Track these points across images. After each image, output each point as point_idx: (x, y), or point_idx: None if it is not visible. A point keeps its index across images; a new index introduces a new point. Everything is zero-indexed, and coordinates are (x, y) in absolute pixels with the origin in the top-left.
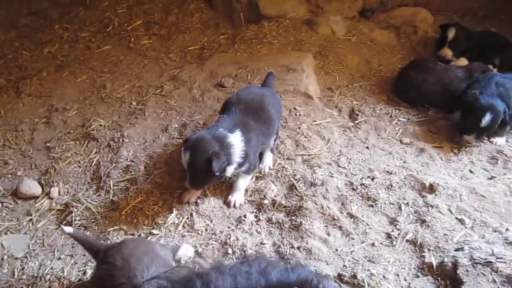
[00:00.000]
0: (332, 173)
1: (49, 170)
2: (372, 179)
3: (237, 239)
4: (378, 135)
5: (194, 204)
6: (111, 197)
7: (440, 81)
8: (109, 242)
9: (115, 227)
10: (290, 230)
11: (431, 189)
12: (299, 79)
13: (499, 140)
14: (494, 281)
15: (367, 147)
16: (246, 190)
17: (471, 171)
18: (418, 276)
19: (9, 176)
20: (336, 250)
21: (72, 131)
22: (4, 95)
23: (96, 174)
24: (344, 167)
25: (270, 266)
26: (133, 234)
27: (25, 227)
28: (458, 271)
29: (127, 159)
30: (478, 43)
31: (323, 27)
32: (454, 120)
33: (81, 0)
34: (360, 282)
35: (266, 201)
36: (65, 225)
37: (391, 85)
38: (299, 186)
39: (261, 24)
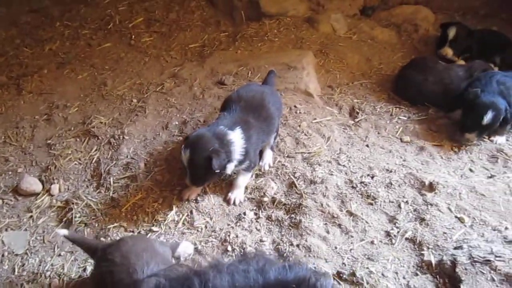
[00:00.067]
0: (332, 171)
1: (49, 167)
2: (372, 177)
3: (237, 236)
4: (378, 133)
5: (194, 201)
6: (111, 194)
7: (441, 80)
8: (109, 239)
9: (115, 224)
10: (290, 227)
11: (431, 187)
12: (299, 77)
13: (500, 139)
14: (493, 280)
15: (367, 145)
16: (246, 188)
17: (471, 170)
18: (417, 274)
19: (10, 173)
20: (335, 248)
21: (72, 128)
22: (5, 92)
23: (97, 171)
24: (344, 165)
25: (268, 264)
26: (133, 231)
27: (26, 223)
28: (457, 270)
29: (127, 156)
30: (479, 41)
31: (324, 25)
32: (454, 118)
33: None
34: (359, 280)
35: (265, 199)
36: (65, 222)
37: (391, 83)
38: (298, 184)
39: (261, 22)
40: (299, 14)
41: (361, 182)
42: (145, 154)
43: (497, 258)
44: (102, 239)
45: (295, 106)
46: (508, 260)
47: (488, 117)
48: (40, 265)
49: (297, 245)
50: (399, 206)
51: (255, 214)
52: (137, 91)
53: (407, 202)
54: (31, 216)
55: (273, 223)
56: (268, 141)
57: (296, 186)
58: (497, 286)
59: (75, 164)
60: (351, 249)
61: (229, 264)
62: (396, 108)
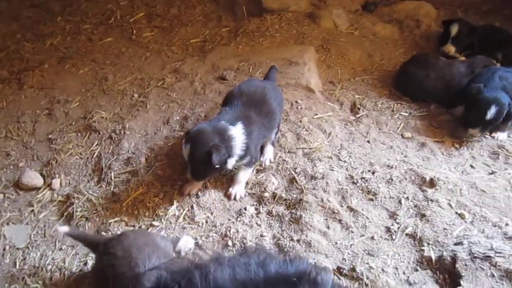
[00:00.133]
0: (333, 167)
1: (50, 161)
2: (373, 173)
3: (237, 231)
4: (380, 129)
5: (195, 196)
6: (112, 189)
7: (442, 76)
8: (110, 233)
9: (116, 219)
10: (290, 223)
11: (432, 183)
12: (301, 73)
13: (501, 135)
14: (493, 276)
15: (368, 141)
16: (247, 183)
17: (472, 166)
18: (417, 270)
19: (11, 167)
20: (336, 243)
21: (73, 123)
22: (6, 87)
23: (98, 166)
24: (344, 161)
25: (269, 258)
26: (134, 226)
27: (27, 218)
28: (457, 265)
29: (128, 151)
30: (481, 37)
31: (326, 20)
32: (456, 114)
33: None
34: (359, 275)
35: (266, 194)
36: (67, 216)
37: (393, 79)
38: (299, 179)
39: (263, 17)
40: (300, 9)
41: (362, 178)
42: (146, 149)
43: (497, 254)
44: (103, 233)
45: (296, 102)
46: (508, 256)
47: (491, 112)
48: (41, 259)
49: (298, 240)
50: (400, 202)
51: (256, 209)
52: (138, 86)
53: (407, 198)
54: (32, 210)
55: (273, 218)
56: (269, 136)
57: (297, 182)
58: (497, 282)
59: (76, 158)
60: (351, 245)
61: (230, 258)
62: (397, 104)
